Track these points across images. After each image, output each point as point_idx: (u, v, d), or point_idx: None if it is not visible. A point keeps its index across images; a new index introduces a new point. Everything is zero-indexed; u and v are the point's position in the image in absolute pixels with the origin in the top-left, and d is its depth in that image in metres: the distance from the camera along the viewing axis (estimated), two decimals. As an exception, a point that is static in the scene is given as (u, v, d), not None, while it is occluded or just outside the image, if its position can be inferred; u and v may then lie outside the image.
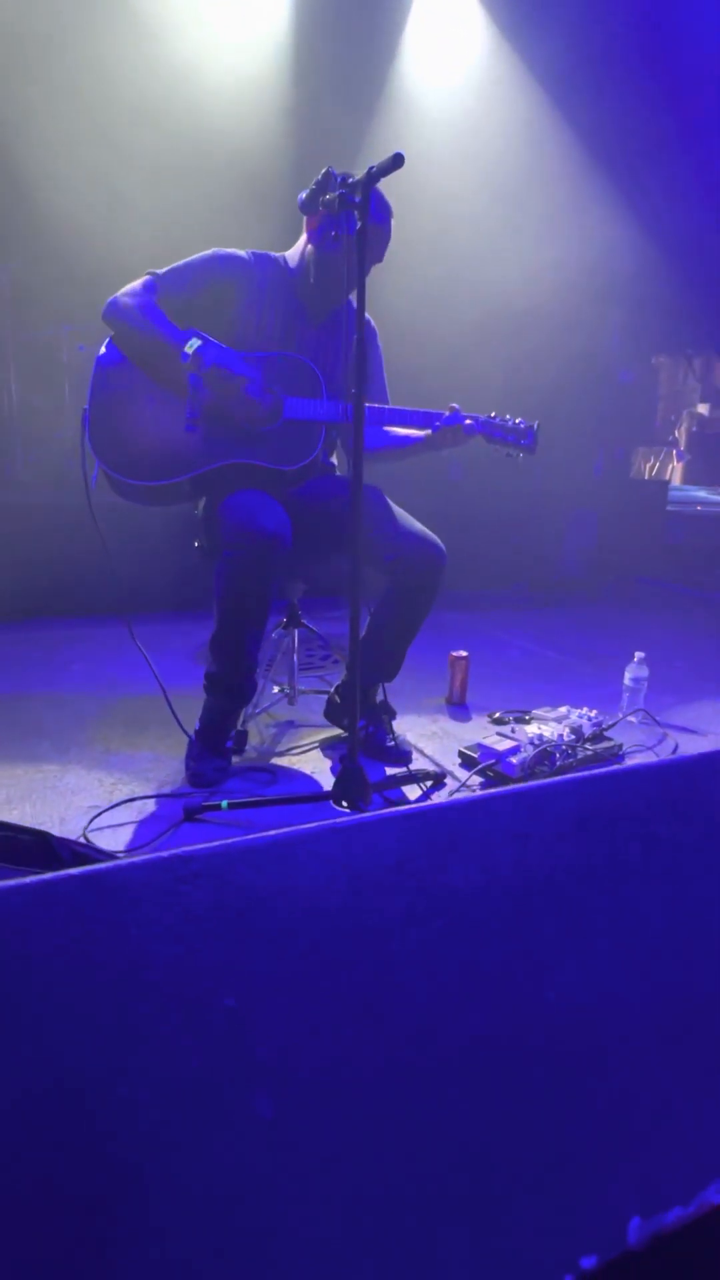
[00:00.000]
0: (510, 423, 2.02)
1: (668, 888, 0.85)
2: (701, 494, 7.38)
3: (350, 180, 1.46)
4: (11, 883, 0.61)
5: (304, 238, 2.04)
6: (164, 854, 0.67)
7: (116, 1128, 0.55)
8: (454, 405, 2.04)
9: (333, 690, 2.37)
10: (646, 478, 7.82)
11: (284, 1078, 0.61)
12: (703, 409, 9.16)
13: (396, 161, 1.35)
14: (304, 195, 1.72)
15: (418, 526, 2.08)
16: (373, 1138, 0.61)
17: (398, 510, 2.11)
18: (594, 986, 0.75)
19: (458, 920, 0.73)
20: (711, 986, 0.79)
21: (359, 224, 1.42)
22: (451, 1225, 0.60)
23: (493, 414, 2.04)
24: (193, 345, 1.87)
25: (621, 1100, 0.70)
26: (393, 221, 1.96)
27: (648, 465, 8.65)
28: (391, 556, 2.01)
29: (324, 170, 1.56)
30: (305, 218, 1.99)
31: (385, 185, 1.49)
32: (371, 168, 1.39)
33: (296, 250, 2.07)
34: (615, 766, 0.92)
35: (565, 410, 4.96)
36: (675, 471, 8.64)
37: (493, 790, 0.83)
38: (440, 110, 4.54)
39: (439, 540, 2.05)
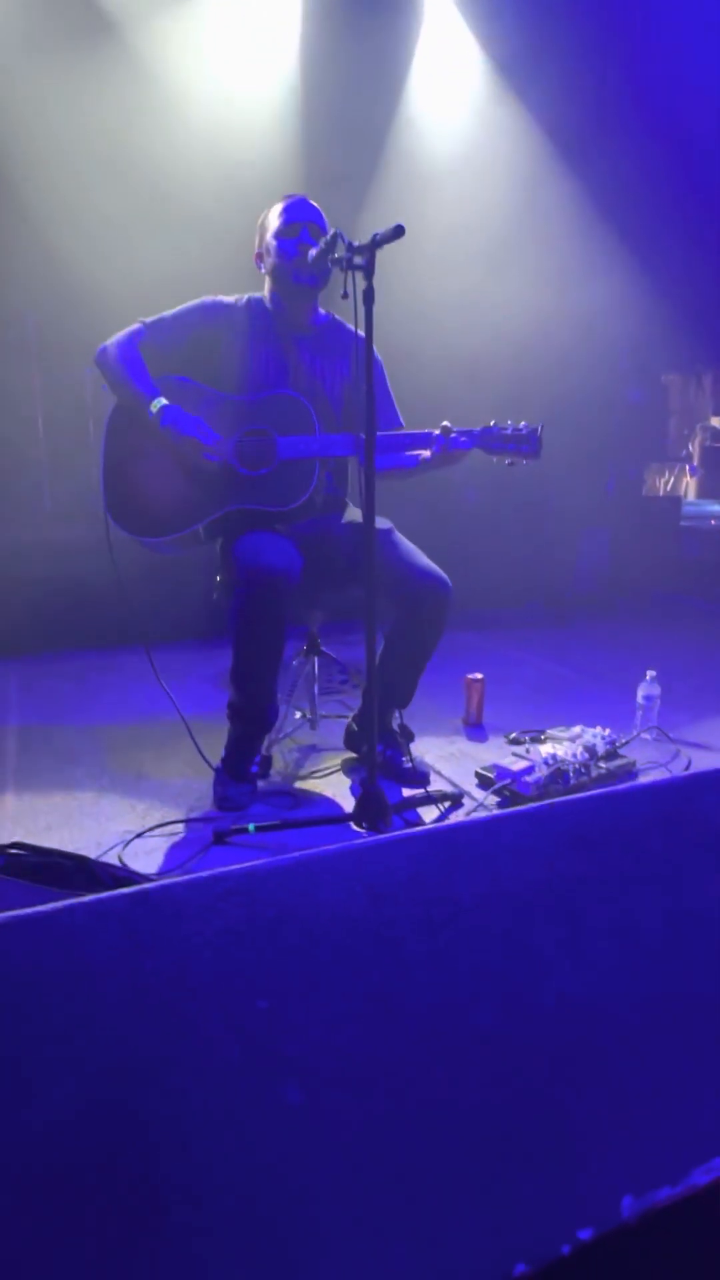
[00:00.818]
0: (509, 430, 1.98)
1: (661, 897, 0.92)
2: (716, 508, 7.41)
3: (356, 245, 1.57)
4: (72, 901, 0.71)
5: (267, 282, 2.15)
6: (202, 874, 0.76)
7: (167, 1112, 0.64)
8: (446, 424, 2.04)
9: (350, 719, 2.45)
10: (661, 494, 7.86)
11: (311, 1069, 0.69)
12: (716, 422, 9.19)
13: (398, 231, 1.46)
14: (313, 253, 1.84)
15: (423, 561, 2.13)
16: (391, 1121, 0.69)
17: (405, 544, 2.18)
18: (591, 987, 0.82)
19: (464, 929, 0.81)
20: (700, 987, 0.87)
21: (365, 285, 1.53)
22: (463, 1198, 0.68)
23: (491, 423, 2.01)
24: (157, 404, 1.98)
25: (616, 1090, 0.78)
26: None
27: (662, 481, 8.69)
28: (399, 592, 2.08)
29: (332, 232, 1.67)
30: (272, 257, 2.09)
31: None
32: (376, 235, 1.51)
33: (266, 291, 2.18)
34: (613, 787, 1.00)
35: (576, 431, 5.04)
36: (690, 486, 8.68)
37: (495, 813, 0.91)
38: (445, 146, 4.69)
39: (444, 574, 2.11)
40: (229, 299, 2.16)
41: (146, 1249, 0.59)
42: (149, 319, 2.09)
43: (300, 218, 2.05)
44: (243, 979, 0.72)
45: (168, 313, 2.11)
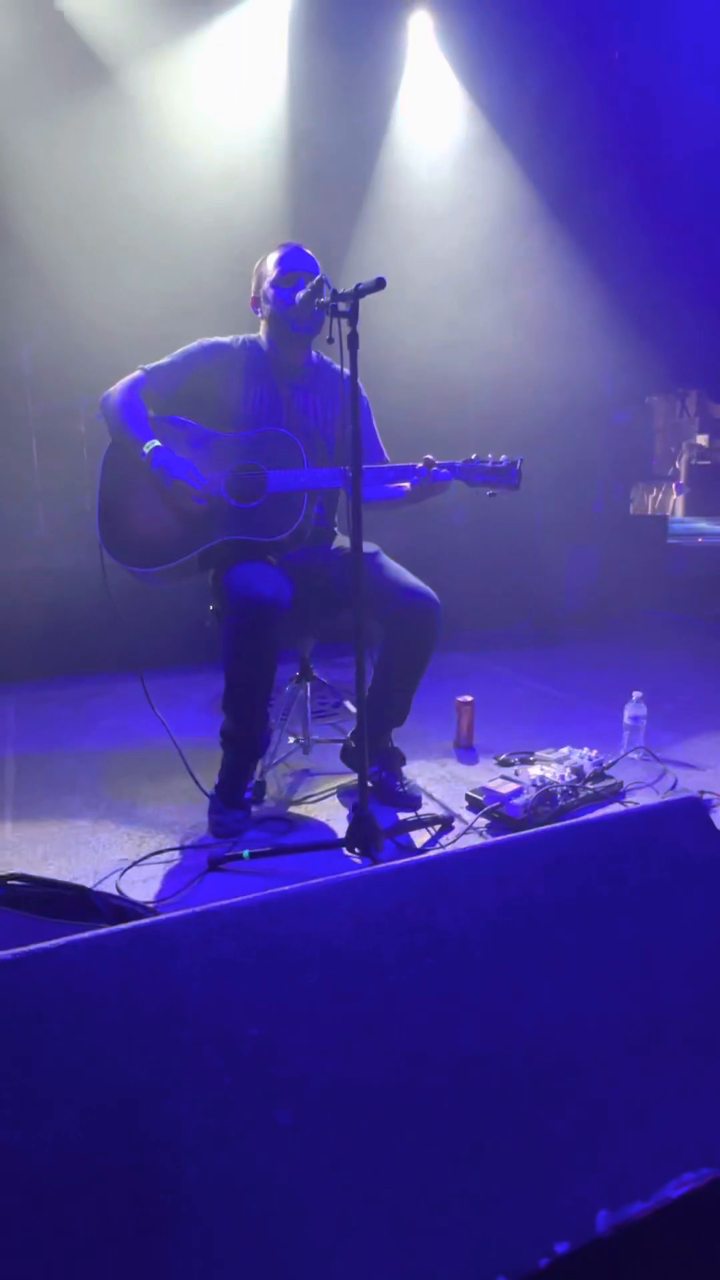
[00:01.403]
0: (490, 463, 2.04)
1: (632, 921, 0.97)
2: (703, 525, 7.51)
3: (340, 293, 1.64)
4: (74, 937, 0.75)
5: (263, 325, 2.23)
6: (196, 909, 0.80)
7: (164, 1133, 0.68)
8: (428, 457, 2.10)
9: (348, 736, 2.50)
10: (649, 512, 7.97)
11: (300, 1092, 0.73)
12: (702, 439, 9.34)
13: (380, 284, 1.53)
14: (299, 296, 1.91)
15: (411, 580, 2.18)
16: (377, 1140, 0.73)
17: (392, 565, 2.24)
18: (566, 1008, 0.87)
19: (446, 956, 0.86)
20: (670, 1008, 0.91)
21: (350, 330, 1.60)
22: (445, 1214, 0.72)
23: (472, 456, 2.08)
24: (150, 446, 2.05)
25: (592, 1108, 0.82)
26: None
27: (650, 499, 8.81)
28: (387, 610, 2.13)
29: (317, 278, 1.74)
30: (268, 302, 2.16)
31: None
32: (359, 285, 1.58)
33: (262, 334, 2.26)
34: (584, 818, 1.05)
35: (563, 452, 5.14)
36: (677, 504, 8.80)
37: (474, 845, 0.96)
38: (429, 181, 4.82)
39: (432, 592, 2.17)
40: (226, 340, 2.23)
41: (148, 1261, 0.63)
42: (149, 365, 2.16)
43: (296, 267, 2.12)
44: (235, 1008, 0.76)
45: (166, 358, 2.18)
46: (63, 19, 3.97)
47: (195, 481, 2.04)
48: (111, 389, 2.15)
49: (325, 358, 2.33)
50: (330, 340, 1.63)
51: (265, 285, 2.16)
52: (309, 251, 2.16)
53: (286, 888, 0.84)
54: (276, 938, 0.81)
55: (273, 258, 2.16)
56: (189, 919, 0.78)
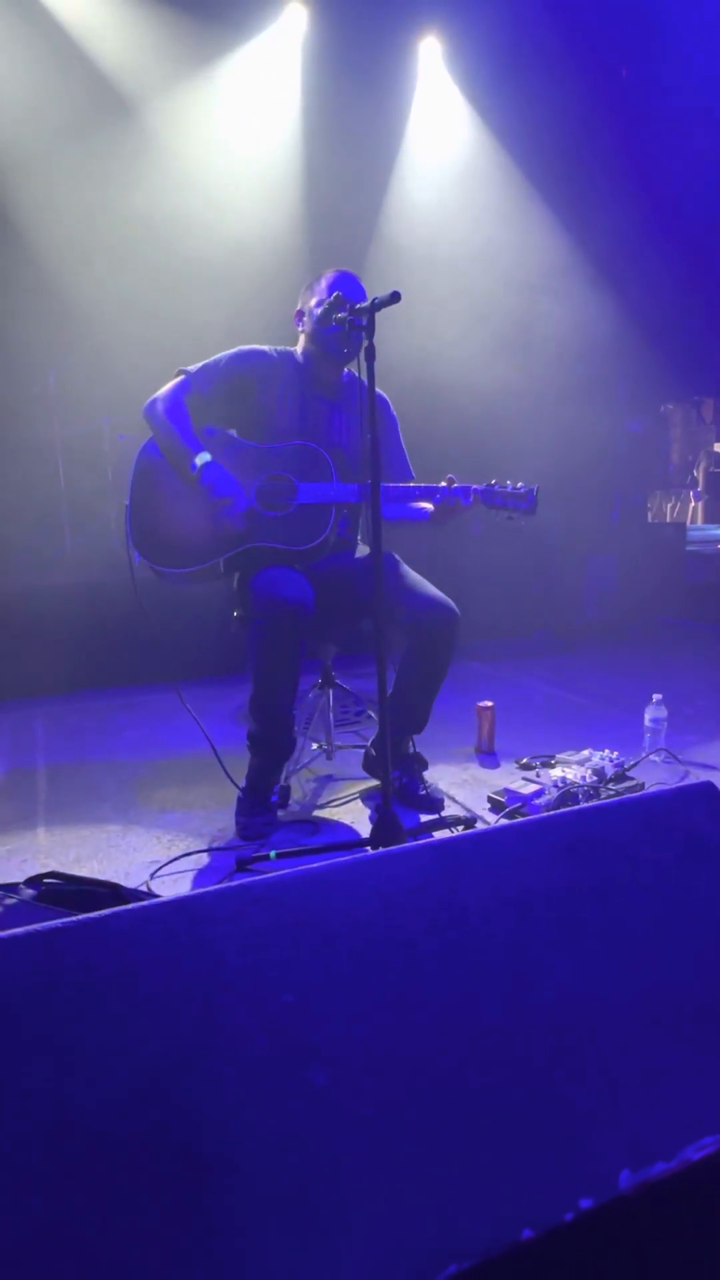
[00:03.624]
0: (509, 488, 2.15)
1: (650, 901, 1.00)
2: (721, 532, 7.50)
3: (357, 307, 1.70)
4: (119, 909, 0.80)
5: (302, 339, 2.29)
6: (232, 884, 0.85)
7: (206, 1093, 0.73)
8: (451, 476, 2.19)
9: (369, 744, 2.54)
10: (668, 520, 7.97)
11: (333, 1055, 0.77)
12: (719, 447, 9.32)
13: (395, 297, 1.60)
14: (318, 310, 1.98)
15: (430, 590, 2.25)
16: (406, 1101, 0.77)
17: (411, 575, 2.30)
18: (585, 983, 0.90)
19: (469, 931, 0.90)
20: (685, 984, 0.94)
21: (367, 343, 1.66)
22: (472, 1170, 0.75)
23: (492, 481, 2.19)
24: (202, 459, 2.12)
25: (612, 1076, 0.85)
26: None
27: (669, 507, 8.80)
28: (408, 620, 2.19)
29: (335, 294, 1.81)
30: (310, 322, 2.23)
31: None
32: (375, 299, 1.64)
33: (300, 347, 2.32)
34: (601, 802, 1.08)
35: (579, 462, 5.18)
36: (696, 512, 8.78)
37: (494, 826, 1.00)
38: (439, 199, 4.93)
39: (450, 601, 2.23)
40: (266, 349, 2.29)
41: (192, 1209, 0.67)
42: (191, 368, 2.22)
43: (345, 294, 2.16)
44: (269, 976, 0.80)
45: (208, 361, 2.24)
46: (83, 55, 4.13)
47: (239, 504, 2.10)
48: (158, 395, 2.21)
49: (358, 375, 2.40)
50: (346, 351, 1.69)
51: (312, 304, 2.22)
52: (361, 283, 2.21)
53: (314, 865, 0.88)
54: (306, 911, 0.85)
55: (326, 279, 2.20)
56: (225, 892, 0.83)
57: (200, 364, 2.23)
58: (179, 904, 0.81)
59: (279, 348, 2.32)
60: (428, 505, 2.26)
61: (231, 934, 0.81)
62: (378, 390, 1.94)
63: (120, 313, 4.27)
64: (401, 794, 2.39)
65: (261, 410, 2.25)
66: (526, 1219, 0.73)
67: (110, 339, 4.26)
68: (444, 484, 2.18)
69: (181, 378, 2.22)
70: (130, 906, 0.79)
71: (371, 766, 2.51)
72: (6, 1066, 0.69)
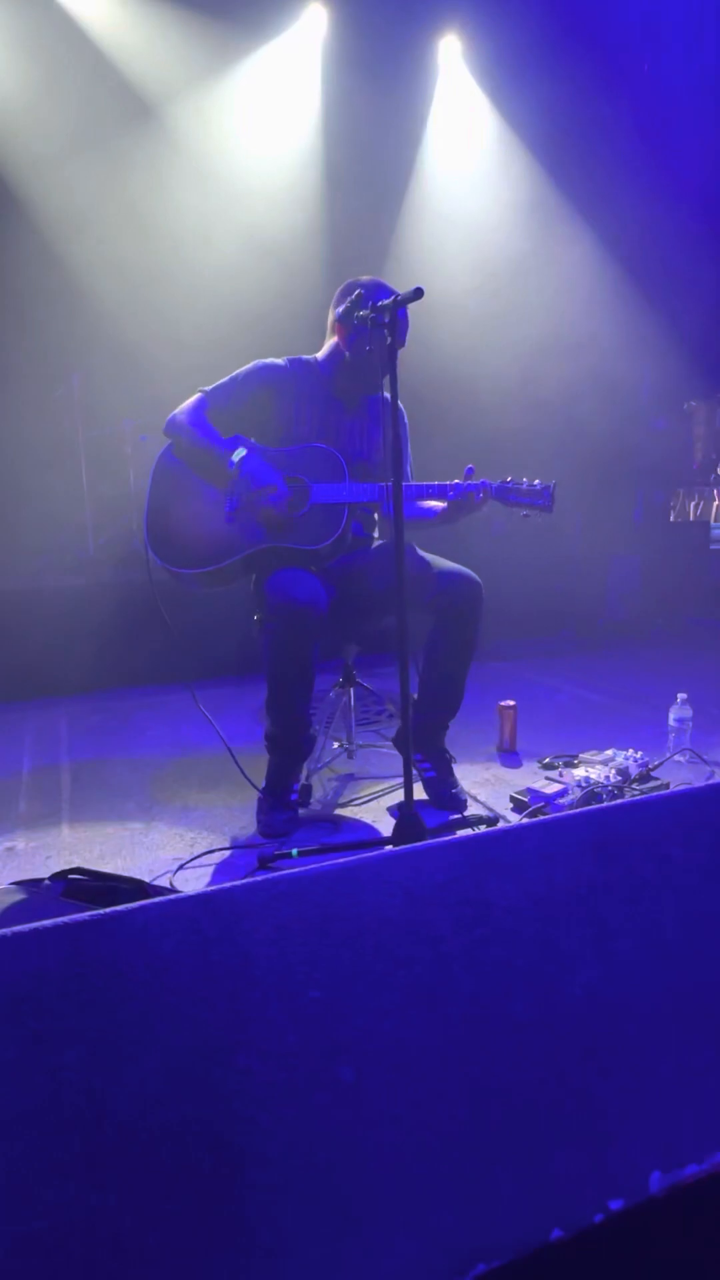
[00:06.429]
0: (525, 485, 2.14)
1: (681, 900, 0.99)
2: (746, 531, 7.39)
3: (380, 304, 1.70)
4: (147, 902, 0.80)
5: (335, 340, 2.29)
6: (258, 879, 0.85)
7: (238, 1084, 0.73)
8: (470, 468, 2.18)
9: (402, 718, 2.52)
10: (692, 519, 7.87)
11: (360, 1051, 0.77)
12: (744, 446, 9.18)
13: (417, 294, 1.59)
14: (341, 310, 1.98)
15: (450, 564, 2.27)
16: (435, 1098, 0.77)
17: (428, 555, 2.31)
18: (615, 982, 0.89)
19: (496, 928, 0.89)
20: (718, 981, 0.93)
21: (389, 339, 1.65)
22: (501, 1168, 0.75)
23: (508, 478, 2.17)
24: (239, 454, 2.14)
25: (643, 1077, 0.84)
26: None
27: (693, 505, 8.70)
28: (431, 595, 2.20)
29: (357, 292, 1.81)
30: (338, 325, 2.23)
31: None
32: (397, 295, 1.64)
33: (326, 351, 2.32)
34: (629, 800, 1.07)
35: (601, 461, 5.14)
36: (720, 510, 8.68)
37: (521, 823, 0.99)
38: (461, 196, 4.91)
39: (471, 572, 2.23)
40: (277, 361, 2.32)
41: (223, 1200, 0.67)
42: (208, 388, 2.27)
43: (372, 297, 2.14)
44: (297, 971, 0.80)
45: (224, 380, 2.28)
46: (104, 59, 4.17)
47: (279, 495, 2.12)
48: (177, 412, 2.25)
49: (385, 396, 2.41)
50: (368, 349, 1.69)
51: (340, 308, 2.17)
52: (388, 284, 2.17)
53: (340, 860, 0.88)
54: (333, 907, 0.85)
55: (354, 283, 2.17)
56: (252, 887, 0.83)
57: (216, 383, 2.27)
58: (206, 898, 0.81)
59: (291, 357, 2.34)
60: (438, 504, 2.26)
61: (259, 929, 0.81)
62: (390, 398, 1.94)
63: (143, 316, 4.31)
64: (430, 789, 2.38)
65: (279, 418, 2.27)
66: (556, 1219, 0.73)
67: (133, 342, 4.29)
68: (460, 479, 2.18)
69: (199, 396, 2.26)
70: (158, 900, 0.79)
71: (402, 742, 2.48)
72: (40, 1056, 0.69)
